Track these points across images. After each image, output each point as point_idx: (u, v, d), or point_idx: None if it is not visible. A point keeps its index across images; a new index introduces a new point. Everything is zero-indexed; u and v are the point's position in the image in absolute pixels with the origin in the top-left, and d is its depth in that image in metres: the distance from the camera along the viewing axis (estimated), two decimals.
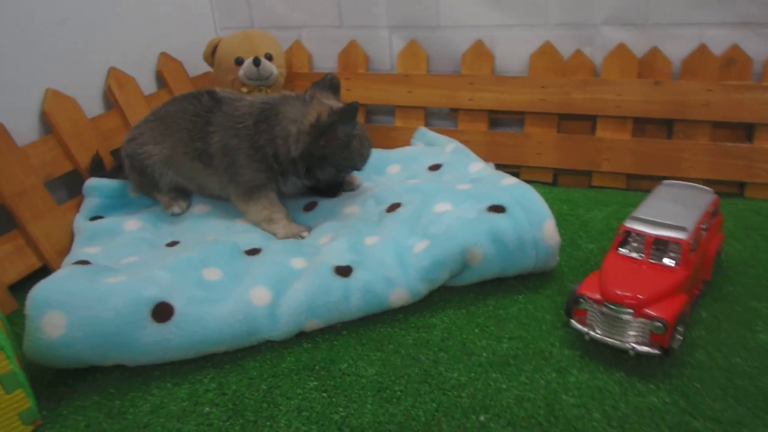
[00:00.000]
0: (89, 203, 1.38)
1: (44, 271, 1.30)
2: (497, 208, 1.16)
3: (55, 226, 1.31)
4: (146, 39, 1.67)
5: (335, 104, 1.31)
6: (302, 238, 1.27)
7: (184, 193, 1.45)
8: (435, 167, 1.51)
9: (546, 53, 1.67)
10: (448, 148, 1.62)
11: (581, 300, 0.98)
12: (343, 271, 1.11)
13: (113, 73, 1.55)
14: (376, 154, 1.54)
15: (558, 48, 1.67)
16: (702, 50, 1.55)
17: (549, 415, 0.87)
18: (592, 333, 0.97)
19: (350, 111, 1.24)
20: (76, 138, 1.40)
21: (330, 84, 1.40)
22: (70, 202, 1.38)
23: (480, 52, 1.74)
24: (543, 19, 1.67)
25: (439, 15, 1.76)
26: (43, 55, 1.37)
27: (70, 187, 1.43)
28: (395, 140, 1.82)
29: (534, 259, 1.16)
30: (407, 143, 1.74)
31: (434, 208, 1.21)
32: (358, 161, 1.33)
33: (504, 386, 0.93)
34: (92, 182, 1.38)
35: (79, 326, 0.95)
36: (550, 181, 1.73)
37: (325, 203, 1.43)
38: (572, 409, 0.87)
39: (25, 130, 1.32)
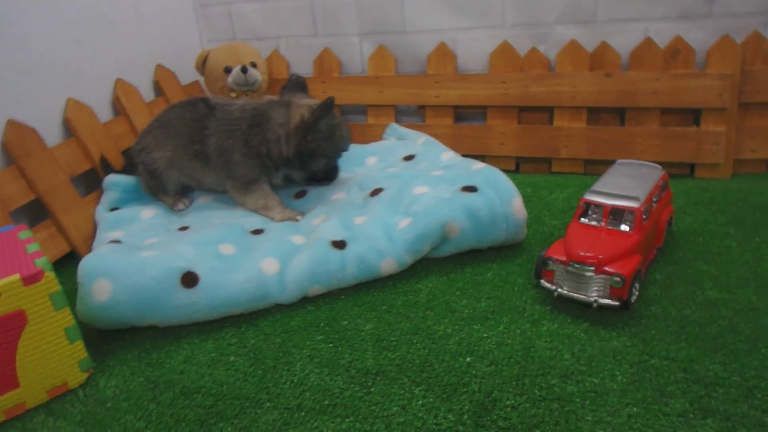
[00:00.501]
0: (109, 196, 1.53)
1: (72, 256, 1.46)
2: (470, 188, 1.29)
3: (80, 217, 1.46)
4: (144, 53, 1.83)
5: (311, 102, 1.48)
6: (297, 221, 1.42)
7: (185, 194, 1.60)
8: (409, 157, 1.67)
9: (504, 51, 1.79)
10: (419, 141, 1.78)
11: (549, 262, 1.13)
12: (339, 245, 1.26)
13: (120, 83, 1.70)
14: (354, 149, 1.70)
15: (515, 46, 1.79)
16: (648, 43, 1.66)
17: (526, 356, 1.01)
18: (560, 290, 1.12)
19: (327, 106, 1.40)
20: (93, 141, 1.56)
21: (296, 83, 1.58)
22: (90, 195, 1.53)
23: (443, 53, 1.86)
24: (500, 21, 1.79)
25: (405, 21, 1.89)
26: (63, 70, 1.53)
27: (87, 183, 1.59)
28: (369, 136, 1.94)
29: (505, 231, 1.30)
30: (380, 138, 1.90)
31: (413, 191, 1.35)
32: (344, 144, 1.50)
33: (485, 335, 1.08)
34: (111, 178, 1.52)
35: (123, 291, 1.10)
36: (513, 168, 1.87)
37: (313, 191, 1.58)
38: (546, 351, 1.02)
39: (51, 134, 1.48)
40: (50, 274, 0.93)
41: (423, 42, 1.90)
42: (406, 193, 1.36)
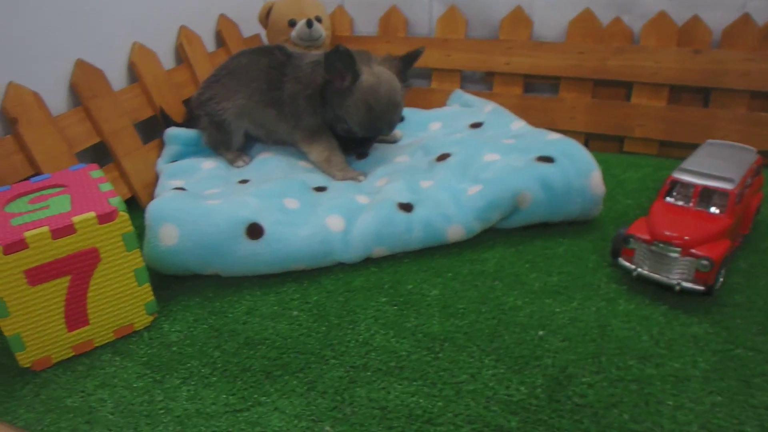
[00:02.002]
0: (169, 150, 1.53)
1: (132, 201, 1.50)
2: (545, 159, 1.26)
3: (141, 163, 1.48)
4: (208, 2, 1.82)
5: (382, 72, 1.44)
6: (359, 181, 1.41)
7: (245, 152, 1.61)
8: (476, 125, 1.63)
9: (585, 20, 1.74)
10: (486, 108, 1.74)
11: (630, 240, 1.11)
12: (406, 207, 1.27)
13: (184, 31, 1.70)
14: (417, 114, 1.71)
15: (597, 15, 1.73)
16: (745, 19, 1.59)
17: (601, 334, 1.01)
18: (639, 270, 1.11)
19: (359, 54, 1.37)
20: (156, 87, 1.56)
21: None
22: (151, 143, 1.54)
23: (518, 18, 1.82)
24: None
25: None
26: (130, 13, 1.53)
27: (147, 131, 1.60)
28: (431, 102, 1.91)
29: (580, 206, 1.27)
30: (443, 105, 1.85)
31: (483, 158, 1.33)
32: (372, 131, 1.44)
33: (557, 310, 1.08)
34: (172, 131, 1.52)
35: (189, 237, 1.13)
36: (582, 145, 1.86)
37: (376, 153, 1.58)
38: (622, 331, 1.01)
39: (116, 78, 1.49)
40: (124, 214, 0.95)
41: (497, 5, 1.86)
42: (475, 159, 1.35)
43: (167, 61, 1.67)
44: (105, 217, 0.93)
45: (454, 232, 1.26)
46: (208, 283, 1.18)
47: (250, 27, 2.03)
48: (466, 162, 1.36)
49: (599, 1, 1.73)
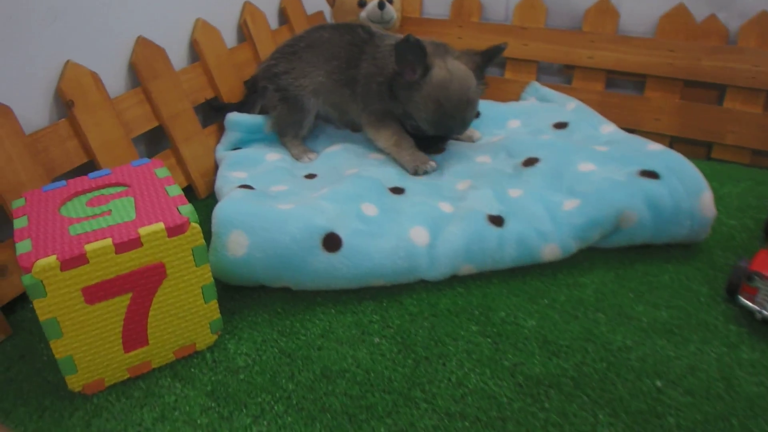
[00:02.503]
0: (230, 137, 1.42)
1: (189, 191, 1.38)
2: (650, 174, 1.14)
3: (200, 148, 1.38)
4: None
5: (457, 67, 1.31)
6: (430, 168, 1.32)
7: (312, 147, 1.47)
8: (560, 125, 1.50)
9: (677, 15, 1.62)
10: (569, 106, 1.61)
11: (755, 277, 0.98)
12: (496, 220, 1.13)
13: (248, 7, 1.58)
14: (494, 108, 1.58)
15: (691, 11, 1.61)
16: None
17: (728, 388, 0.87)
18: (765, 312, 0.97)
19: (435, 47, 1.27)
20: (218, 67, 1.45)
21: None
22: (210, 127, 1.43)
23: (605, 9, 1.70)
24: None
25: None
26: None
27: (206, 112, 1.49)
28: (504, 93, 1.81)
29: (688, 229, 1.14)
30: (517, 97, 1.76)
31: (578, 167, 1.21)
32: (444, 130, 1.32)
33: (672, 354, 0.94)
34: (233, 117, 1.41)
35: (260, 247, 1.00)
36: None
37: (453, 148, 1.44)
38: (751, 386, 0.88)
39: (177, 56, 1.38)
40: (195, 226, 0.82)
41: None
42: (568, 167, 1.22)
43: (229, 39, 1.55)
44: (175, 230, 0.80)
45: (550, 251, 1.13)
46: (277, 297, 1.06)
47: (315, 3, 1.91)
48: (558, 170, 1.23)
49: None
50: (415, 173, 1.31)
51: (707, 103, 1.62)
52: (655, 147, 1.25)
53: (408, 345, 0.95)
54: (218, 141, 1.44)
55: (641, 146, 1.26)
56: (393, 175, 1.30)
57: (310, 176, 1.32)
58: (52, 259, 0.74)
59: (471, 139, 1.51)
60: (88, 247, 0.76)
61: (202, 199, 1.38)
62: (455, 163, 1.38)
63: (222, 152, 1.39)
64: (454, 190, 1.27)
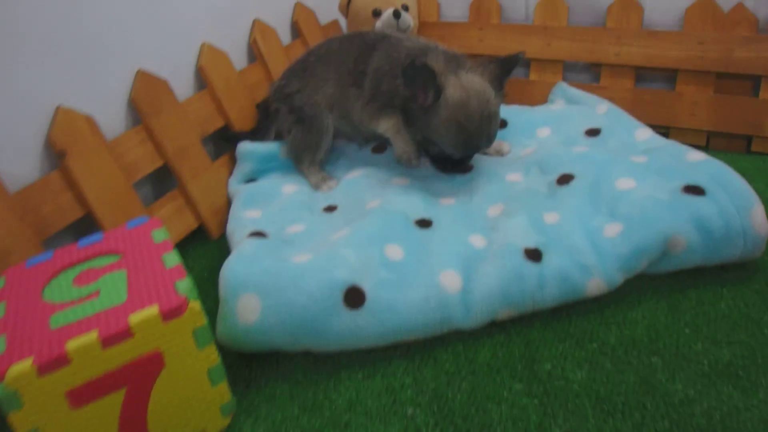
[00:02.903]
0: (243, 168, 1.27)
1: (200, 232, 1.22)
2: (694, 189, 1.00)
3: (211, 184, 1.22)
4: None
5: (473, 83, 1.13)
6: (411, 165, 1.20)
7: (331, 174, 1.32)
8: (593, 132, 1.34)
9: (704, 6, 1.49)
10: (599, 109, 1.44)
11: None
12: (534, 255, 0.97)
13: (258, 25, 1.43)
14: (521, 114, 1.41)
15: (717, 1, 1.48)
16: None
17: None
18: None
19: (448, 60, 1.12)
20: (228, 92, 1.30)
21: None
22: (221, 159, 1.29)
23: (628, 3, 1.57)
24: None
25: None
26: (198, 9, 1.27)
27: (217, 142, 1.35)
28: (530, 95, 1.67)
29: (740, 249, 0.99)
30: (543, 99, 1.60)
31: (616, 184, 1.06)
32: (465, 149, 1.15)
33: (741, 405, 0.78)
34: (245, 147, 1.26)
35: (274, 311, 0.85)
36: (704, 144, 1.54)
37: (481, 165, 1.27)
38: None
39: (182, 86, 1.23)
40: (196, 304, 0.66)
41: None
42: (606, 185, 1.07)
43: (238, 60, 1.40)
44: (171, 313, 0.65)
45: (594, 286, 0.96)
46: (297, 362, 0.90)
47: (328, 13, 1.75)
48: (595, 187, 1.08)
49: None
50: (399, 161, 1.20)
51: (742, 94, 1.50)
52: (696, 156, 1.12)
53: (446, 415, 0.79)
54: (231, 173, 1.28)
55: (681, 155, 1.13)
56: (419, 205, 1.14)
57: (330, 208, 1.17)
58: (27, 363, 0.60)
59: (500, 153, 1.35)
60: (71, 345, 0.61)
61: (215, 239, 1.21)
62: (485, 183, 1.22)
63: (235, 186, 1.24)
64: (485, 217, 1.11)
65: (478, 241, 1.03)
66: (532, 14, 1.70)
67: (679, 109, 1.53)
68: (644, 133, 1.30)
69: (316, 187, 1.26)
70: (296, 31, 1.61)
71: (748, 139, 1.51)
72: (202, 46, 1.26)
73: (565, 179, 1.13)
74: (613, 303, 0.98)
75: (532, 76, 1.71)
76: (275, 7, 1.53)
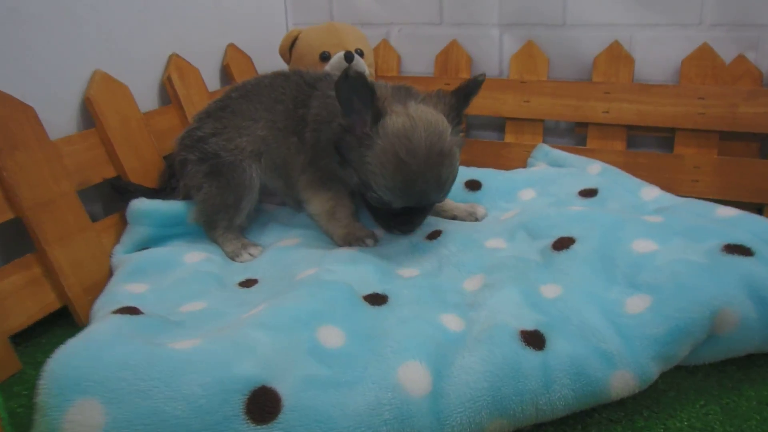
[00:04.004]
0: (135, 233, 1.00)
1: (63, 316, 0.92)
2: (739, 249, 0.80)
3: (87, 251, 0.94)
4: (212, 28, 1.39)
5: (422, 112, 0.92)
6: (365, 245, 0.97)
7: (253, 238, 1.09)
8: (588, 193, 1.15)
9: (703, 58, 1.36)
10: (591, 169, 1.29)
11: None
12: (534, 340, 0.70)
13: (175, 61, 1.23)
14: (498, 177, 1.24)
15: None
16: None
17: None
18: None
19: (396, 90, 0.96)
20: (125, 135, 1.06)
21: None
22: (108, 219, 1.02)
23: (617, 55, 1.43)
24: (696, 18, 1.37)
25: (566, 11, 1.47)
26: (92, 33, 1.06)
27: (106, 198, 1.08)
28: (506, 160, 1.50)
29: None
30: (522, 164, 1.44)
31: (632, 246, 0.86)
32: (407, 199, 0.90)
33: None
34: (140, 205, 1.00)
35: (127, 427, 0.52)
36: None
37: (454, 230, 1.02)
38: None
39: (60, 119, 0.99)
40: None
41: (588, 39, 1.47)
42: (619, 248, 0.86)
43: (147, 100, 1.17)
44: None
45: (621, 382, 0.69)
46: None
47: (268, 61, 1.56)
48: (604, 252, 0.86)
49: (716, 34, 1.37)
50: (348, 245, 0.98)
51: (750, 156, 1.36)
52: (727, 212, 0.99)
53: None
54: (118, 239, 1.00)
55: (708, 212, 1.01)
56: (370, 275, 0.87)
57: (249, 282, 0.89)
58: None
59: (474, 217, 1.11)
60: None
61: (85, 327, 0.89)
62: (458, 250, 0.96)
63: (121, 255, 0.96)
64: (461, 291, 0.85)
65: (452, 322, 0.76)
66: (507, 67, 1.55)
67: (680, 174, 1.37)
68: (652, 192, 1.15)
69: (234, 256, 0.99)
70: (227, 76, 1.42)
71: (759, 209, 1.33)
72: (95, 73, 1.03)
73: (562, 243, 0.91)
74: (646, 407, 0.72)
75: (508, 138, 1.53)
76: (203, 46, 1.34)
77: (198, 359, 0.58)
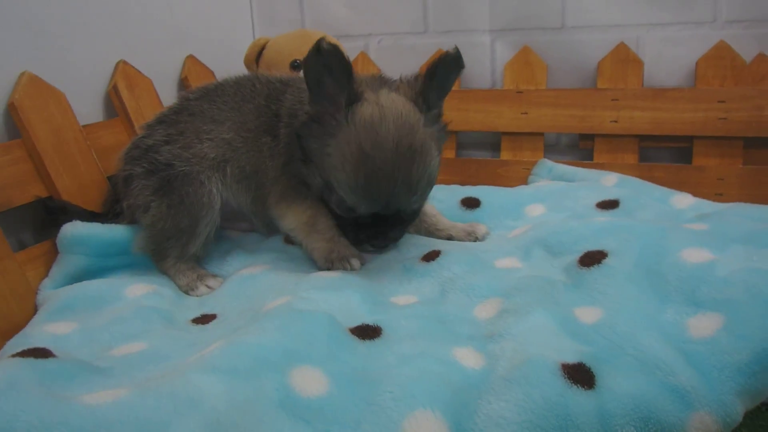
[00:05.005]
0: (68, 263, 0.86)
1: None
2: None
3: (4, 288, 0.79)
4: (168, 37, 1.30)
5: (390, 101, 0.85)
6: (350, 267, 0.85)
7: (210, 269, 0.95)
8: (608, 204, 1.05)
9: (721, 57, 1.30)
10: (606, 181, 1.20)
11: None
12: (579, 375, 0.56)
13: (123, 69, 1.12)
14: (499, 194, 1.15)
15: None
16: None
17: None
18: None
19: (367, 79, 0.89)
20: (58, 148, 0.94)
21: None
22: (35, 247, 0.89)
23: (624, 58, 1.37)
24: (710, 15, 1.32)
25: (565, 12, 1.42)
26: (18, 27, 0.94)
27: (41, 224, 0.96)
28: (504, 179, 1.43)
29: None
30: (522, 183, 1.35)
31: (682, 256, 0.75)
32: (366, 202, 0.82)
33: None
34: (74, 230, 0.85)
35: None
36: None
37: (455, 251, 0.88)
38: None
39: None
40: None
41: (590, 42, 1.42)
42: (666, 260, 0.76)
43: (89, 111, 1.06)
44: None
45: (701, 427, 0.56)
46: None
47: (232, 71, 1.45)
48: (649, 264, 0.76)
49: (732, 31, 1.32)
50: (328, 268, 0.86)
51: None
52: None
53: None
54: (47, 272, 0.86)
55: (754, 213, 0.93)
56: (356, 304, 0.73)
57: (205, 319, 0.74)
58: None
59: (473, 237, 0.99)
60: None
61: None
62: (464, 272, 0.82)
63: (49, 291, 0.81)
64: (472, 320, 0.71)
65: (468, 357, 0.62)
66: (501, 76, 1.49)
67: (701, 188, 1.28)
68: (685, 200, 1.06)
69: (189, 290, 0.85)
70: (185, 89, 1.30)
71: None
72: (22, 75, 0.91)
73: (592, 258, 0.80)
74: None
75: (505, 155, 1.46)
76: (158, 56, 1.24)
77: (118, 418, 0.43)
